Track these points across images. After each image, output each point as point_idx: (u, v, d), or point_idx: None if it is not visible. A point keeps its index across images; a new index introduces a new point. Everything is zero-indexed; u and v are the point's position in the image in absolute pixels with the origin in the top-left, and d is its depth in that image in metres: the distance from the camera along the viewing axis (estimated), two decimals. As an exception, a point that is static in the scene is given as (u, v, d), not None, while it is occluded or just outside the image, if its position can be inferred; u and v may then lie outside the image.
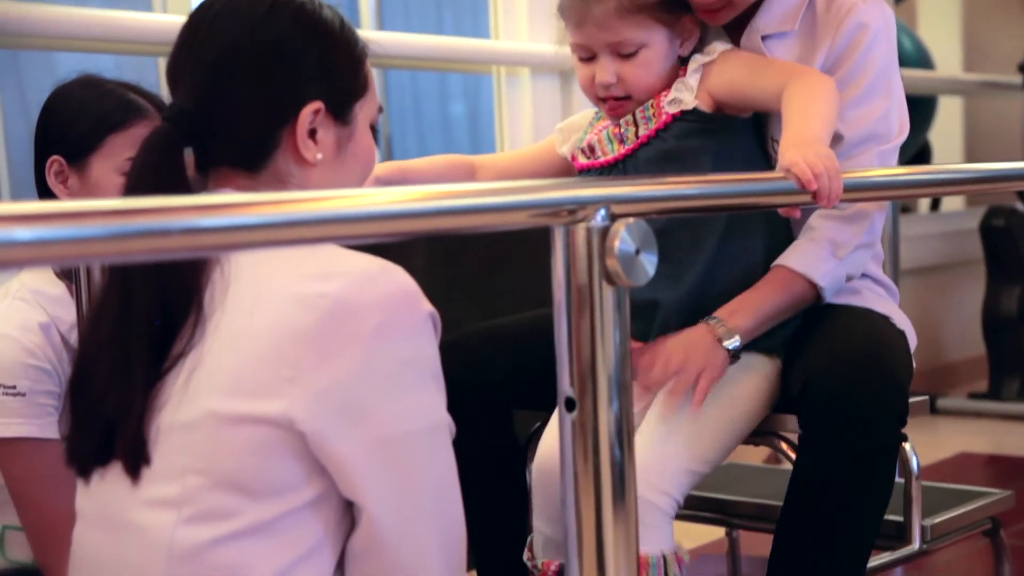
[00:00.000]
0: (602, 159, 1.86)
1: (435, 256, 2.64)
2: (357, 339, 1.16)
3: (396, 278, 1.20)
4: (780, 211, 1.59)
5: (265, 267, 1.20)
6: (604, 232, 1.14)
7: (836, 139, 1.81)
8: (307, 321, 1.15)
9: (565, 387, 1.17)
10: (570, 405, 1.17)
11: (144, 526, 1.18)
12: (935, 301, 4.98)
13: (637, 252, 1.15)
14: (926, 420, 4.36)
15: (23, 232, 0.83)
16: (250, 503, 1.16)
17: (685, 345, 1.73)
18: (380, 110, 1.39)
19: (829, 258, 1.79)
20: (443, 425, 1.22)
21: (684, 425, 1.72)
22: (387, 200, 1.08)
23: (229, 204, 1.00)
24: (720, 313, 1.76)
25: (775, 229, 1.84)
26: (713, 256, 1.79)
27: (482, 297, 2.64)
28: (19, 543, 1.80)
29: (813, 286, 1.79)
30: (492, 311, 2.16)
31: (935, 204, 5.36)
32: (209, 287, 1.20)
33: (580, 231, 1.14)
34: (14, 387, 1.72)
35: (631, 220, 1.14)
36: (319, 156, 1.29)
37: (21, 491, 1.73)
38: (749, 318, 1.75)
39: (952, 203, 5.48)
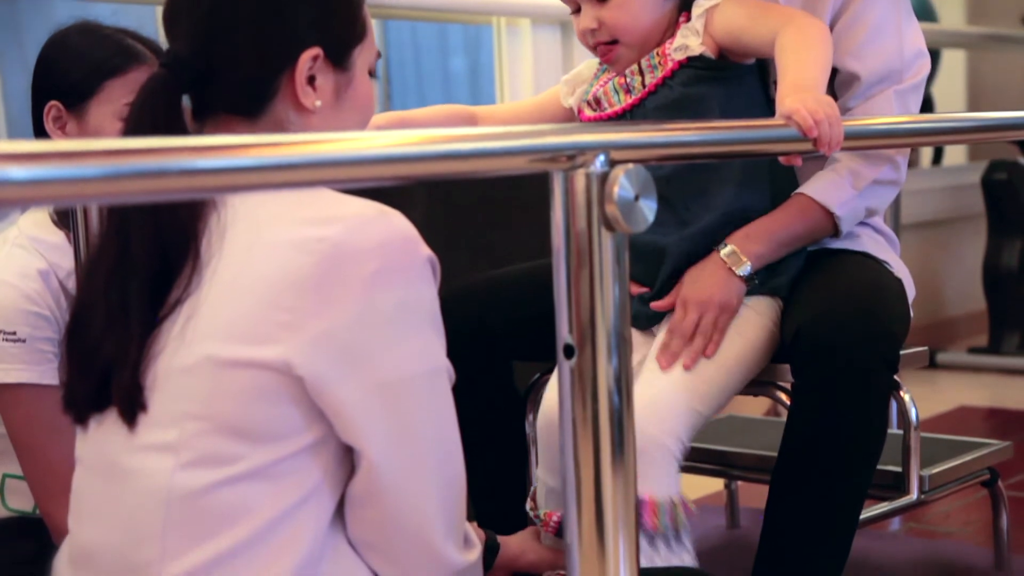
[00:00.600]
0: (609, 111, 1.85)
1: (434, 208, 2.64)
2: (355, 284, 1.16)
3: (394, 222, 1.20)
4: (781, 159, 1.59)
5: (262, 212, 1.20)
6: (603, 178, 1.13)
7: (853, 79, 1.82)
8: (304, 266, 1.15)
9: (564, 334, 1.16)
10: (568, 352, 1.16)
11: (142, 471, 1.18)
12: (936, 256, 4.97)
13: (636, 198, 1.14)
14: (926, 374, 4.38)
15: (18, 171, 0.82)
16: (249, 448, 1.16)
17: (698, 292, 1.74)
18: (378, 56, 1.38)
19: (848, 188, 1.81)
20: (442, 370, 1.22)
21: (693, 367, 1.73)
22: (385, 143, 1.07)
23: (228, 145, 0.99)
24: (732, 239, 1.77)
25: (781, 175, 1.84)
26: (721, 206, 1.79)
27: (481, 249, 2.63)
28: (19, 491, 1.81)
29: (830, 215, 1.80)
30: (491, 263, 2.16)
31: (937, 158, 5.34)
32: (206, 234, 1.20)
33: (579, 177, 1.13)
34: (14, 333, 1.72)
35: (630, 166, 1.13)
36: (318, 103, 1.29)
37: (21, 437, 1.74)
38: (762, 243, 1.77)
39: (954, 157, 5.46)
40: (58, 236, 1.77)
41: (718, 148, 1.37)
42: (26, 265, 1.74)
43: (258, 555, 1.16)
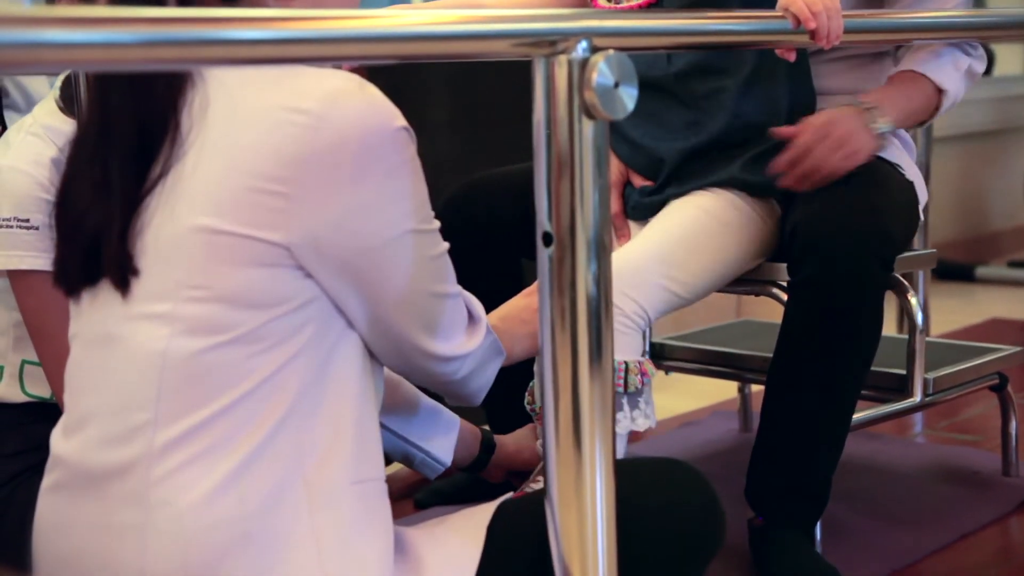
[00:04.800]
0: (625, 4, 1.83)
1: (457, 107, 2.66)
2: (342, 163, 1.17)
3: (372, 95, 1.20)
4: (777, 52, 1.57)
5: (243, 83, 1.20)
6: (583, 64, 1.13)
7: None
8: (288, 137, 1.16)
9: (543, 221, 1.17)
10: (547, 240, 1.17)
11: (137, 339, 1.20)
12: (980, 168, 4.90)
13: (616, 85, 1.13)
14: (963, 287, 4.35)
15: (58, 34, 0.87)
16: (245, 314, 1.18)
17: (821, 117, 1.71)
18: None
19: (951, 69, 1.82)
20: (413, 231, 1.24)
21: (670, 244, 1.72)
22: (373, 24, 1.08)
23: (262, 18, 1.03)
24: (866, 99, 1.76)
25: (799, 81, 1.82)
26: (736, 104, 1.77)
27: (504, 147, 2.64)
28: (37, 378, 1.84)
29: (937, 93, 1.81)
30: (514, 160, 2.16)
31: (988, 68, 5.23)
32: (186, 108, 1.21)
33: (560, 63, 1.13)
34: (28, 220, 1.74)
35: (611, 52, 1.13)
36: None
37: (38, 323, 1.76)
38: (894, 110, 1.76)
39: (1006, 66, 5.35)
40: (71, 124, 1.79)
41: (708, 38, 1.35)
42: (39, 153, 1.76)
43: (246, 413, 1.18)
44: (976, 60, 1.86)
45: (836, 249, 1.65)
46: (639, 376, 1.66)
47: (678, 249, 1.72)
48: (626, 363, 1.66)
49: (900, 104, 1.78)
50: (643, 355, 1.70)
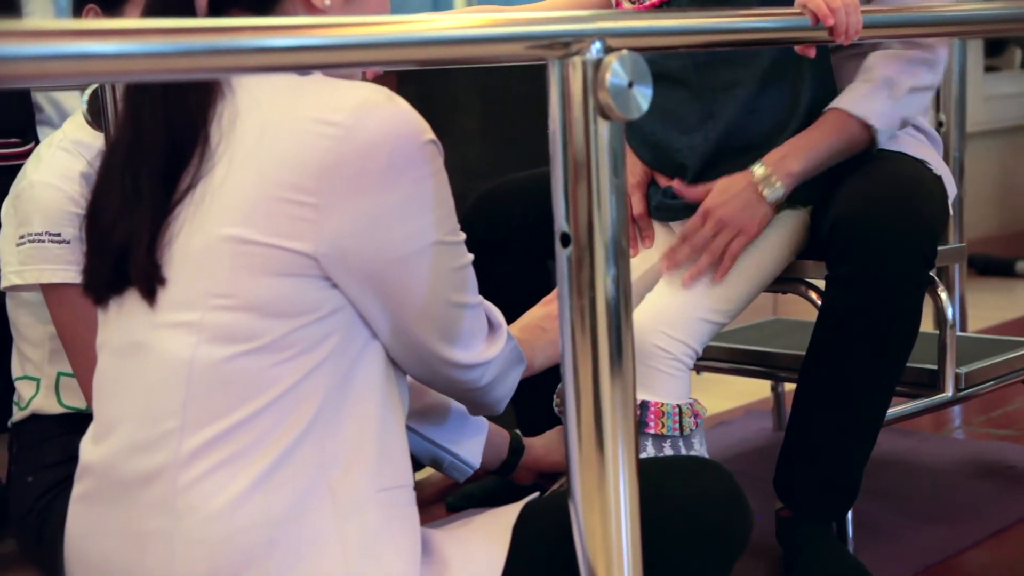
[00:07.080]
0: (647, 3, 1.83)
1: (489, 115, 2.67)
2: (371, 175, 1.19)
3: (401, 108, 1.22)
4: (796, 49, 1.56)
5: (273, 96, 1.22)
6: (597, 65, 1.13)
7: None
8: (318, 149, 1.18)
9: (560, 223, 1.17)
10: (565, 240, 1.17)
11: (164, 347, 1.22)
12: (1021, 162, 4.85)
13: (630, 85, 1.13)
14: (1005, 282, 4.32)
15: (104, 46, 0.89)
16: (271, 323, 1.19)
17: (722, 208, 1.72)
18: None
19: (885, 99, 1.77)
20: (437, 243, 1.25)
21: (705, 279, 1.73)
22: (384, 29, 1.09)
23: (298, 26, 1.05)
24: (769, 158, 1.74)
25: (822, 78, 1.81)
26: (751, 98, 1.77)
27: (533, 155, 2.66)
28: (73, 389, 1.87)
29: (867, 128, 1.77)
30: (543, 163, 2.17)
31: (1026, 62, 5.18)
32: (215, 120, 1.22)
33: (574, 64, 1.14)
34: (59, 234, 1.77)
35: (624, 52, 1.13)
36: (327, 2, 1.29)
37: (69, 335, 1.79)
38: (801, 161, 1.74)
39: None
40: (99, 138, 1.81)
41: (723, 36, 1.34)
42: (69, 167, 1.79)
43: (271, 420, 1.20)
44: (926, 70, 1.81)
45: (882, 245, 1.65)
46: (692, 418, 1.69)
47: (713, 283, 1.73)
48: (679, 407, 1.68)
49: (818, 149, 1.75)
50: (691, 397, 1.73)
